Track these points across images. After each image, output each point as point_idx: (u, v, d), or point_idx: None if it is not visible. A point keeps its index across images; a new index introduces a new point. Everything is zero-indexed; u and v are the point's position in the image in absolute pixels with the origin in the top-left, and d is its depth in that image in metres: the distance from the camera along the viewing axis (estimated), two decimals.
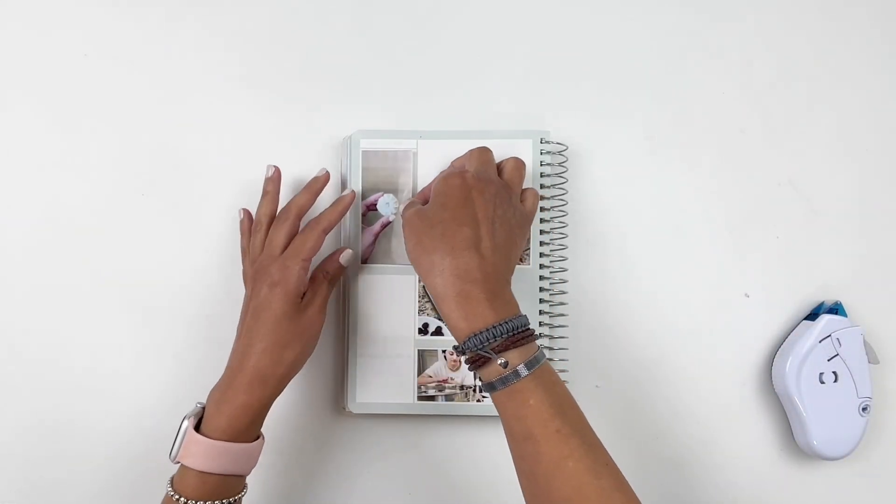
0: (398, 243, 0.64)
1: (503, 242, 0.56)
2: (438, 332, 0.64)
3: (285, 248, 0.60)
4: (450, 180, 0.57)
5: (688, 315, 0.66)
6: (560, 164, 0.65)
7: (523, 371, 0.51)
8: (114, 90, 0.67)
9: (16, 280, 0.67)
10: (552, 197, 0.65)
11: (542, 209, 0.64)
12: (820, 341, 0.63)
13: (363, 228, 0.65)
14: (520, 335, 0.52)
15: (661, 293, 0.66)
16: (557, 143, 0.65)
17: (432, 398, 0.64)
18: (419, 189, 0.64)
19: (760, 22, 0.68)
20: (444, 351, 0.64)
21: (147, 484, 0.66)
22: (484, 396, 0.64)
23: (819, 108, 0.67)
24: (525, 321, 0.53)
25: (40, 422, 0.67)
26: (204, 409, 0.58)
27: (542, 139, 0.64)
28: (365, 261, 0.64)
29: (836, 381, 0.63)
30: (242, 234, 0.64)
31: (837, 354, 0.63)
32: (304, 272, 0.59)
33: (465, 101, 0.67)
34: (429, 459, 0.66)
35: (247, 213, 0.65)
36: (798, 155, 0.67)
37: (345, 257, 0.63)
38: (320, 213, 0.62)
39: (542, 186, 0.64)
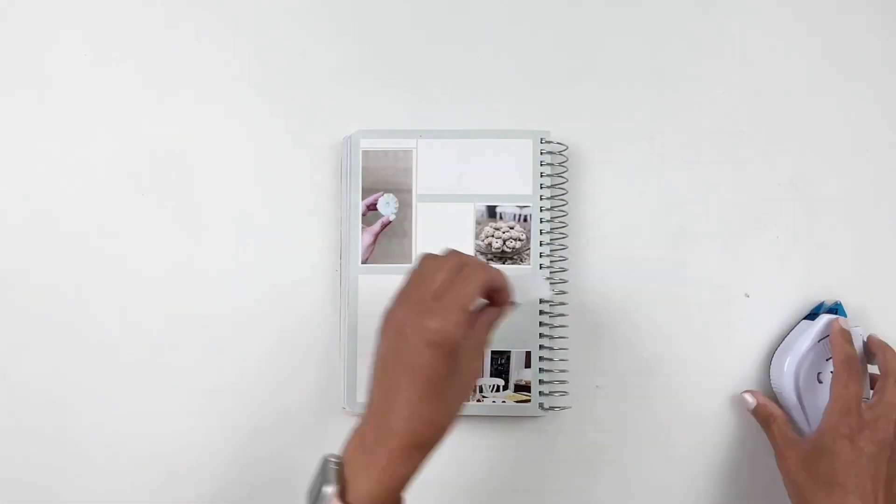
0: (398, 243, 0.64)
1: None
2: None
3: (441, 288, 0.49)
4: (837, 429, 0.58)
5: (688, 315, 0.66)
6: (560, 164, 0.65)
7: None
8: (114, 90, 0.68)
9: (14, 280, 0.67)
10: (552, 197, 0.65)
11: (542, 209, 0.64)
12: (819, 341, 0.63)
13: (363, 228, 0.65)
14: None
15: (661, 293, 0.66)
16: (557, 143, 0.65)
17: None
18: (419, 189, 0.64)
19: (760, 22, 0.68)
20: None
21: (147, 483, 0.66)
22: (484, 396, 0.64)
23: (819, 108, 0.67)
24: None
25: (40, 421, 0.67)
26: (340, 467, 0.50)
27: (542, 139, 0.64)
28: (365, 261, 0.64)
29: None
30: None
31: None
32: (468, 325, 0.49)
33: (465, 101, 0.67)
34: (428, 459, 0.66)
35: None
36: (798, 155, 0.67)
37: (520, 297, 0.53)
38: (485, 264, 0.52)
39: (541, 186, 0.64)
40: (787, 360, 0.63)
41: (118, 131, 0.67)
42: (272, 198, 0.67)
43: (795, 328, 0.65)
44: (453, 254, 0.52)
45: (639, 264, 0.66)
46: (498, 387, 0.64)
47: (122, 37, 0.68)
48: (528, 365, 0.64)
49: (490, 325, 0.52)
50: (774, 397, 0.65)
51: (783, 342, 0.65)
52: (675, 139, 0.67)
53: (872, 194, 0.67)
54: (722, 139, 0.67)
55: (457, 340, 0.48)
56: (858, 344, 0.63)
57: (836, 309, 0.64)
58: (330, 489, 0.48)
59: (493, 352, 0.64)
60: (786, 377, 0.63)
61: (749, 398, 0.64)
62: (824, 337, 0.63)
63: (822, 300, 0.65)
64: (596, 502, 0.66)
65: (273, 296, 0.66)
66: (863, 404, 0.58)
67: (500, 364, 0.64)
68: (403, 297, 0.51)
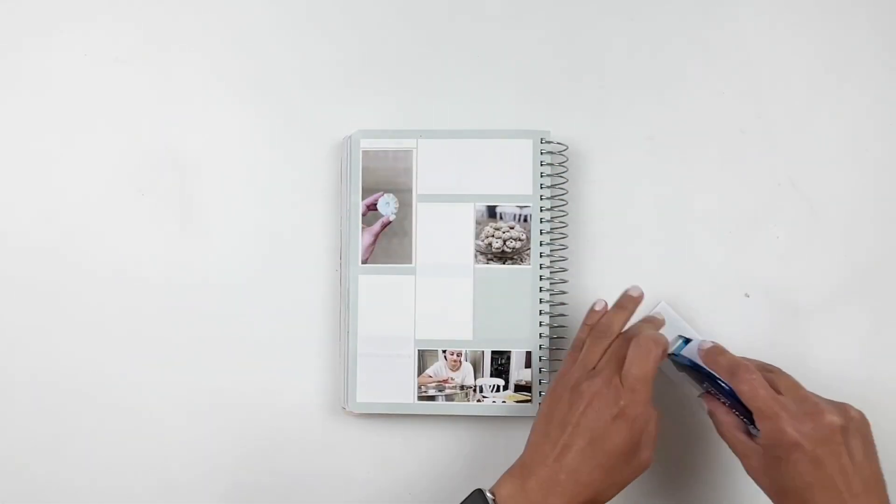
0: (398, 243, 0.64)
1: None
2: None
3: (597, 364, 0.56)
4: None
5: (688, 315, 0.66)
6: (560, 164, 0.65)
7: None
8: (114, 90, 0.68)
9: (14, 279, 0.67)
10: (552, 197, 0.65)
11: (542, 209, 0.64)
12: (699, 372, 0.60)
13: (363, 228, 0.65)
14: None
15: (661, 293, 0.66)
16: (557, 143, 0.65)
17: (432, 398, 0.64)
18: (419, 189, 0.64)
19: (760, 22, 0.68)
20: (444, 351, 0.64)
21: (146, 483, 0.66)
22: (484, 396, 0.64)
23: (819, 108, 0.67)
24: None
25: (39, 421, 0.67)
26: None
27: (542, 139, 0.64)
28: (365, 261, 0.64)
29: None
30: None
31: None
32: (652, 406, 0.54)
33: (465, 101, 0.67)
34: (429, 459, 0.66)
35: (602, 304, 0.61)
36: (798, 155, 0.67)
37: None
38: (653, 334, 0.57)
39: (541, 186, 0.64)
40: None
41: (118, 131, 0.67)
42: (272, 198, 0.67)
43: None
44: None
45: (639, 264, 0.66)
46: (498, 387, 0.64)
47: (122, 37, 0.68)
48: (528, 365, 0.64)
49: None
50: None
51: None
52: (675, 139, 0.67)
53: (872, 194, 0.67)
54: (722, 139, 0.67)
55: (644, 418, 0.53)
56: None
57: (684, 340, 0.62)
58: None
59: (493, 352, 0.64)
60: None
61: (704, 404, 0.59)
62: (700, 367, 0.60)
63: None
64: None
65: (273, 295, 0.66)
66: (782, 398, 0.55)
67: (500, 364, 0.64)
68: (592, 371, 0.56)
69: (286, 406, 0.66)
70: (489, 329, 0.64)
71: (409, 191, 0.65)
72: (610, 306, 0.61)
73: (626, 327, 0.60)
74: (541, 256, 0.64)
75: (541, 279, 0.64)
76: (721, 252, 0.66)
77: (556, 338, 0.65)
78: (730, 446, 0.57)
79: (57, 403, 0.67)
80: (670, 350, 0.60)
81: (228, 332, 0.66)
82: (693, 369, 0.60)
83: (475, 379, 0.64)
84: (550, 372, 0.64)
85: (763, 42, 0.67)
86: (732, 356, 0.58)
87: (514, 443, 0.66)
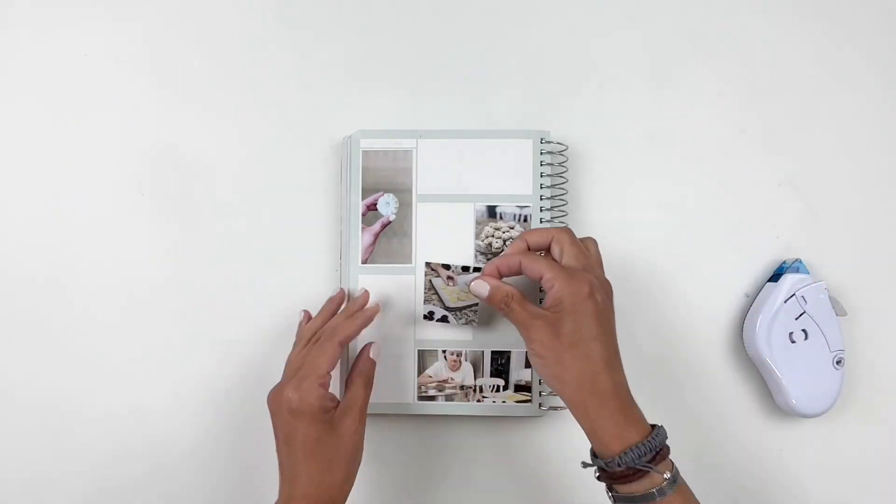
0: (398, 243, 0.64)
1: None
2: (444, 319, 0.64)
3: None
4: (578, 292, 0.54)
5: (688, 315, 0.66)
6: (560, 164, 0.65)
7: (670, 486, 0.52)
8: (114, 90, 0.68)
9: (15, 279, 0.67)
10: (552, 197, 0.65)
11: (542, 209, 0.64)
12: (785, 301, 0.63)
13: (363, 228, 0.65)
14: (666, 448, 0.53)
15: (661, 293, 0.66)
16: (557, 143, 0.65)
17: (432, 398, 0.64)
18: (419, 189, 0.64)
19: (760, 22, 0.68)
20: (444, 351, 0.64)
21: (146, 483, 0.66)
22: (484, 396, 0.64)
23: (819, 109, 0.67)
24: (665, 433, 0.54)
25: (39, 420, 0.67)
26: None
27: (542, 139, 0.64)
28: (365, 261, 0.64)
29: (806, 338, 0.63)
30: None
31: (804, 312, 0.63)
32: (325, 389, 0.56)
33: (465, 101, 0.67)
34: (429, 459, 0.66)
35: (306, 314, 0.63)
36: (798, 155, 0.67)
37: (374, 352, 0.61)
38: (336, 324, 0.59)
39: (541, 186, 0.64)
40: (758, 322, 0.63)
41: (118, 131, 0.67)
42: (272, 198, 0.67)
43: (762, 291, 0.65)
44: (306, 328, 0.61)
45: (639, 264, 0.66)
46: (498, 387, 0.64)
47: (123, 37, 0.68)
48: (528, 365, 0.64)
49: (363, 376, 0.59)
50: (750, 363, 0.65)
51: (752, 306, 0.65)
52: (675, 139, 0.67)
53: (872, 194, 0.67)
54: (722, 139, 0.67)
55: (315, 403, 0.55)
56: (823, 298, 0.63)
57: (797, 267, 0.64)
58: None
59: (493, 352, 0.64)
60: (758, 339, 0.63)
61: (481, 285, 0.57)
62: (790, 297, 0.63)
63: (783, 259, 0.65)
64: (596, 502, 0.66)
65: (273, 295, 0.66)
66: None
67: (500, 364, 0.64)
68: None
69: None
70: (489, 329, 0.64)
71: (409, 191, 0.65)
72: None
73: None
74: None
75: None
76: (721, 252, 0.66)
77: None
78: (516, 317, 0.56)
79: (57, 401, 0.66)
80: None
81: (229, 331, 0.66)
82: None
83: (475, 379, 0.64)
84: None
85: (763, 42, 0.68)
86: (506, 257, 0.58)
87: (514, 443, 0.66)
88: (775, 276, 0.65)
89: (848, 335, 0.65)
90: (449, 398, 0.64)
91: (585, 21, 0.68)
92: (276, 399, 0.56)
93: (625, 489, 0.53)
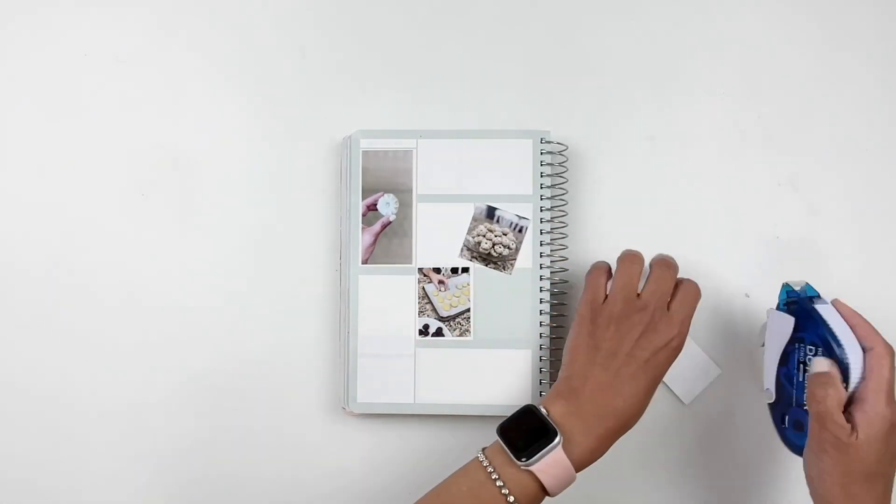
0: (398, 243, 0.64)
1: None
2: (439, 332, 0.64)
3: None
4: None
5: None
6: (560, 164, 0.65)
7: None
8: (114, 90, 0.68)
9: (14, 279, 0.67)
10: (552, 197, 0.65)
11: (542, 209, 0.64)
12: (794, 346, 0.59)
13: (363, 228, 0.65)
14: None
15: None
16: (557, 143, 0.65)
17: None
18: (419, 189, 0.64)
19: (760, 22, 0.68)
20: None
21: (147, 483, 0.66)
22: None
23: (819, 109, 0.67)
24: None
25: (39, 420, 0.67)
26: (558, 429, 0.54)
27: (542, 139, 0.64)
28: (365, 261, 0.64)
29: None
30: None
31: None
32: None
33: (465, 101, 0.67)
34: (429, 459, 0.66)
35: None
36: (798, 155, 0.67)
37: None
38: (668, 259, 0.60)
39: (541, 186, 0.64)
40: (771, 365, 0.60)
41: (118, 131, 0.67)
42: (272, 198, 0.67)
43: (770, 322, 0.61)
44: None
45: None
46: None
47: (122, 37, 0.68)
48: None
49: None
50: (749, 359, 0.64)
51: (764, 345, 0.61)
52: (675, 139, 0.67)
53: (872, 194, 0.67)
54: (722, 139, 0.67)
55: (679, 349, 0.58)
56: (839, 319, 0.58)
57: (804, 293, 0.60)
58: (558, 439, 0.54)
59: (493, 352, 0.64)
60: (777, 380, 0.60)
61: (820, 366, 0.56)
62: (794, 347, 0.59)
63: (785, 281, 0.61)
64: (595, 501, 0.66)
65: (273, 296, 0.66)
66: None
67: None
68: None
69: (286, 406, 0.66)
70: (489, 329, 0.64)
71: (409, 191, 0.65)
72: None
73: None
74: (541, 256, 0.64)
75: (541, 279, 0.64)
76: (721, 252, 0.66)
77: (556, 338, 0.65)
78: (820, 422, 0.53)
79: (57, 400, 0.67)
80: (794, 292, 0.60)
81: (228, 332, 0.66)
82: (805, 319, 0.58)
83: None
84: (550, 372, 0.64)
85: (763, 42, 0.67)
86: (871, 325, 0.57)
87: None
88: (783, 302, 0.61)
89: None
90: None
91: (585, 21, 0.68)
92: (642, 320, 0.57)
93: None
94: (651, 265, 0.60)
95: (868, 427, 0.52)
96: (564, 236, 0.65)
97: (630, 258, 0.60)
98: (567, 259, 0.65)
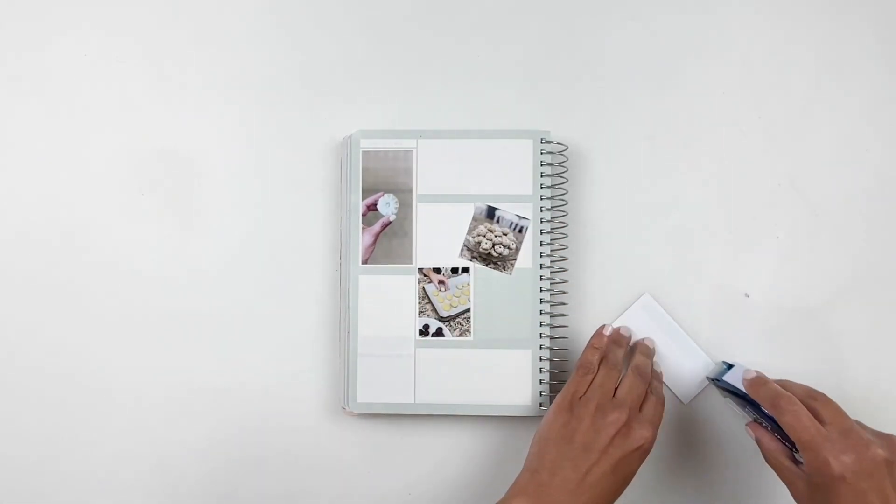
0: (398, 243, 0.64)
1: None
2: (439, 333, 0.64)
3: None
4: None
5: (688, 315, 0.66)
6: (560, 164, 0.65)
7: None
8: (114, 90, 0.68)
9: (14, 279, 0.67)
10: (552, 197, 0.65)
11: (542, 209, 0.64)
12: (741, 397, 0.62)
13: (363, 228, 0.65)
14: None
15: (661, 294, 0.66)
16: (557, 143, 0.65)
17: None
18: (419, 189, 0.64)
19: (760, 22, 0.68)
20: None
21: (147, 483, 0.66)
22: None
23: (819, 108, 0.67)
24: None
25: (39, 420, 0.67)
26: None
27: (542, 139, 0.64)
28: (365, 261, 0.64)
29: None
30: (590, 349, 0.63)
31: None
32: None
33: (465, 101, 0.67)
34: (429, 459, 0.66)
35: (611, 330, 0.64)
36: (798, 155, 0.67)
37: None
38: (645, 366, 0.61)
39: (541, 186, 0.64)
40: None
41: (118, 131, 0.67)
42: (272, 198, 0.67)
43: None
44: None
45: (638, 264, 0.66)
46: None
47: (122, 37, 0.68)
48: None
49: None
50: None
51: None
52: (675, 139, 0.67)
53: (872, 194, 0.67)
54: (722, 140, 0.67)
55: (650, 449, 0.58)
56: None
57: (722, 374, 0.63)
58: None
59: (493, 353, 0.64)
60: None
61: (750, 432, 0.61)
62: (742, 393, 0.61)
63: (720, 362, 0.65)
64: None
65: (273, 296, 0.66)
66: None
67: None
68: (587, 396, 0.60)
69: (286, 406, 0.66)
70: (489, 329, 0.64)
71: (409, 191, 0.65)
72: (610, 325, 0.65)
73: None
74: (541, 256, 0.64)
75: (541, 279, 0.64)
76: (721, 252, 0.66)
77: (556, 338, 0.65)
78: (776, 472, 0.59)
79: (57, 399, 0.67)
80: (712, 376, 0.64)
81: (228, 332, 0.66)
82: (735, 395, 0.61)
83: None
84: (550, 372, 0.64)
85: (763, 42, 0.67)
86: (775, 386, 0.59)
87: (514, 443, 0.66)
88: (720, 379, 0.63)
89: (848, 335, 0.65)
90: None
91: (585, 21, 0.68)
92: (616, 422, 0.57)
93: None
94: (629, 368, 0.61)
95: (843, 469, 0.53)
96: (564, 236, 0.65)
97: (612, 364, 0.61)
98: (567, 259, 0.65)
